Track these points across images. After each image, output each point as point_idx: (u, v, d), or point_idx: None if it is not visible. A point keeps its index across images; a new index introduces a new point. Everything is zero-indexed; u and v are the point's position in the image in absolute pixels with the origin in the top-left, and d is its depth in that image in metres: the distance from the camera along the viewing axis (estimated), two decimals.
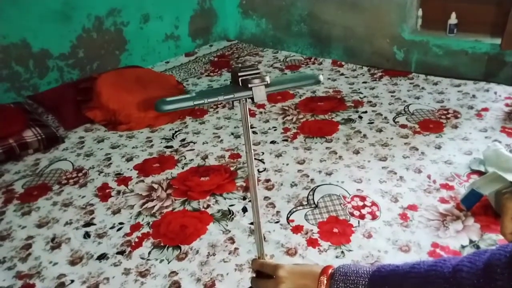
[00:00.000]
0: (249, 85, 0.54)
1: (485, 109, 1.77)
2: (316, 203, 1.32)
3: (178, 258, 1.15)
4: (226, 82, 2.29)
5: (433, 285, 0.52)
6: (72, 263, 1.17)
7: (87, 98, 1.98)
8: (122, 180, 1.52)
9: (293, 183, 1.42)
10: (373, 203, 1.29)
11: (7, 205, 1.43)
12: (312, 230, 1.21)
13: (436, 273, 0.52)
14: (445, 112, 1.79)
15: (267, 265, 0.70)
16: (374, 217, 1.24)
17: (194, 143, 1.72)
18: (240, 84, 0.56)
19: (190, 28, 2.81)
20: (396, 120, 1.76)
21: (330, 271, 0.62)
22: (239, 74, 0.57)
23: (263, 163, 1.55)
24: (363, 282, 0.58)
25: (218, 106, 2.03)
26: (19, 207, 1.41)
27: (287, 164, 1.53)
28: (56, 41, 2.18)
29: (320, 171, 1.47)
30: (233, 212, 1.31)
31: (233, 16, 3.03)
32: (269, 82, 0.55)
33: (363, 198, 1.32)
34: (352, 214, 1.25)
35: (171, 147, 1.71)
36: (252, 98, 0.56)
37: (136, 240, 1.23)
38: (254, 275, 0.74)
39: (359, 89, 2.08)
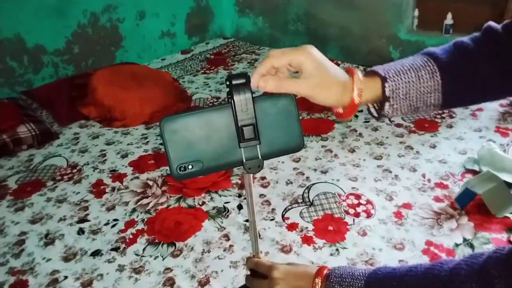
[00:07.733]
0: (246, 167, 0.58)
1: (480, 109, 1.78)
2: (311, 201, 1.32)
3: (173, 255, 1.15)
4: (222, 79, 2.28)
5: None
6: (66, 259, 1.16)
7: (82, 94, 1.96)
8: (117, 176, 1.51)
9: (288, 181, 1.42)
10: (368, 201, 1.30)
11: (0, 201, 1.42)
12: (307, 227, 1.21)
13: (433, 276, 0.52)
14: (440, 111, 1.79)
15: (262, 265, 0.69)
16: (369, 215, 1.24)
17: None
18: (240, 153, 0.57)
19: (186, 25, 2.80)
20: (391, 119, 1.77)
21: (325, 272, 0.61)
22: (239, 125, 0.56)
23: None
24: (359, 284, 0.57)
25: (214, 103, 2.02)
26: (13, 203, 1.40)
27: (283, 162, 1.53)
28: (51, 37, 2.16)
29: (315, 169, 1.47)
30: (228, 209, 1.31)
31: (229, 14, 3.02)
32: (262, 158, 0.58)
33: (358, 196, 1.32)
34: (347, 212, 1.26)
35: None
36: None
37: (131, 236, 1.22)
38: (248, 273, 0.74)
39: None
